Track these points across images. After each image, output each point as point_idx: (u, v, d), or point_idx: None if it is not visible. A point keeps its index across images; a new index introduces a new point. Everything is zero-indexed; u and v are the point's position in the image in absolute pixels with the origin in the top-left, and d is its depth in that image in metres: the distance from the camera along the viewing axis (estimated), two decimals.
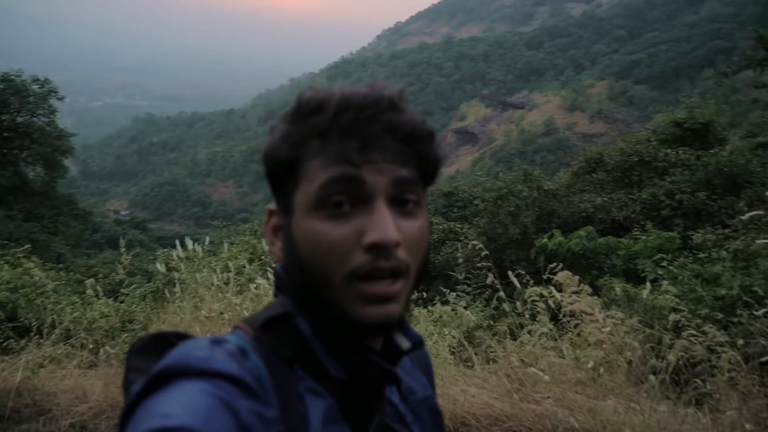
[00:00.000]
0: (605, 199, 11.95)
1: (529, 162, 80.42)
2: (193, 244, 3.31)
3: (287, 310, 0.64)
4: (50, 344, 3.05)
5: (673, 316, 2.37)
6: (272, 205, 0.67)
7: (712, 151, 10.81)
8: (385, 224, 0.57)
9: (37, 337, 3.37)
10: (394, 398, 0.69)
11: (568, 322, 2.36)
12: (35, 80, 20.43)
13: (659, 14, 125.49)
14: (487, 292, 4.85)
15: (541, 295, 2.45)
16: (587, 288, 2.51)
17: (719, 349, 2.15)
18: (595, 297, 2.46)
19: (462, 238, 13.60)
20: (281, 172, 0.62)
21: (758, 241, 2.94)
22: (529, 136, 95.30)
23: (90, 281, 4.17)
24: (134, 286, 4.83)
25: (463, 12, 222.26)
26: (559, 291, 2.42)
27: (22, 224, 18.51)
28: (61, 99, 21.74)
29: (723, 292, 2.81)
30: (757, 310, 2.34)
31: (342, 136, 0.59)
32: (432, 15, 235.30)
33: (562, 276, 2.51)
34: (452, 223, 15.27)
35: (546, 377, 1.96)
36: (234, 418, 0.49)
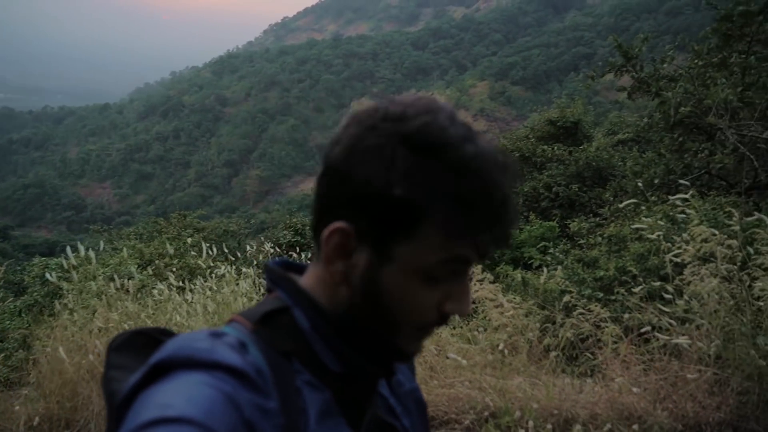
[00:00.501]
0: None
1: None
2: (86, 251, 3.02)
3: (285, 304, 0.64)
4: None
5: (566, 298, 2.63)
6: (346, 226, 0.58)
7: (581, 147, 11.92)
8: (469, 300, 0.61)
9: None
10: (384, 391, 0.71)
11: (474, 308, 2.52)
12: None
13: (531, 21, 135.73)
14: None
15: None
16: (489, 276, 2.70)
17: (603, 324, 2.42)
18: (495, 284, 2.66)
19: None
20: (395, 218, 0.56)
21: (630, 227, 3.36)
22: None
23: None
24: (7, 300, 4.33)
25: (350, 10, 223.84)
26: None
27: None
28: None
29: (601, 273, 3.16)
30: (633, 288, 2.66)
31: (495, 229, 0.57)
32: (319, 11, 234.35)
33: None
34: None
35: (464, 362, 2.08)
36: (236, 411, 0.49)
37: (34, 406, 2.33)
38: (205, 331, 0.56)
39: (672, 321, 2.21)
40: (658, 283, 2.37)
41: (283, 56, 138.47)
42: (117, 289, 3.10)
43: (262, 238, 15.40)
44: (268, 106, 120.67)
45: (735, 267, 2.22)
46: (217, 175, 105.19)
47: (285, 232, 13.98)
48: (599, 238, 3.78)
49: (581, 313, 2.50)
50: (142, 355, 0.62)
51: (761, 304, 2.13)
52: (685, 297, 2.21)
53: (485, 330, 2.40)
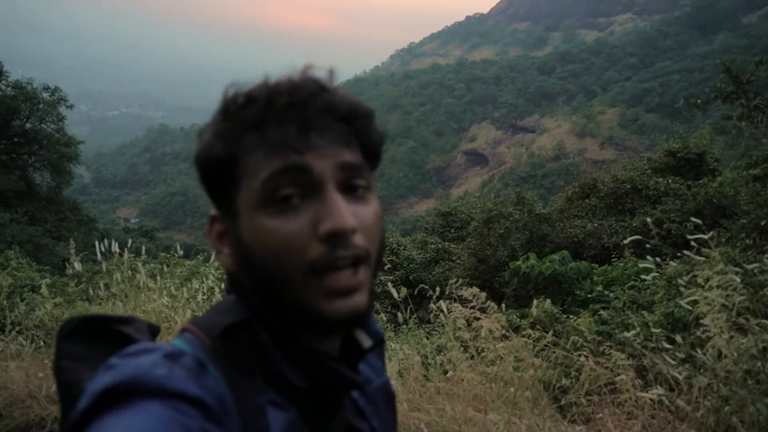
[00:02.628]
0: (596, 225, 11.96)
1: (538, 186, 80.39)
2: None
3: (245, 317, 0.60)
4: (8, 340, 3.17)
5: (573, 337, 2.43)
6: (213, 211, 0.62)
7: (700, 182, 10.85)
8: (339, 211, 0.54)
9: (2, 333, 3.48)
10: (353, 392, 0.67)
11: (474, 338, 2.43)
12: (46, 88, 20.91)
13: (671, 44, 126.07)
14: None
15: (449, 311, 2.52)
16: (493, 305, 2.57)
17: (621, 371, 2.20)
18: (500, 314, 2.52)
19: (454, 258, 13.65)
20: (218, 172, 0.58)
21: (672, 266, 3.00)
22: (539, 160, 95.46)
23: (45, 281, 4.27)
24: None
25: (476, 35, 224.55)
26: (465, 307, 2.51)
27: (25, 228, 18.78)
28: (70, 107, 22.21)
29: (651, 317, 2.87)
30: (674, 337, 2.39)
31: (279, 123, 0.55)
32: (445, 37, 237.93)
33: (469, 293, 2.58)
34: (448, 243, 15.31)
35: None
36: None
37: None
38: (160, 352, 0.52)
39: (677, 375, 1.95)
40: (679, 336, 2.10)
41: (407, 80, 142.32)
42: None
43: None
44: (389, 128, 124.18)
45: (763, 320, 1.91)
46: None
47: None
48: (659, 281, 3.43)
49: (601, 356, 2.29)
50: (93, 344, 0.61)
51: None
52: (701, 352, 1.94)
53: (480, 361, 2.29)
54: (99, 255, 3.02)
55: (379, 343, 0.67)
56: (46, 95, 20.98)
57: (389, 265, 13.22)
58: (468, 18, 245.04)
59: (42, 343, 3.18)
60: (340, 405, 0.63)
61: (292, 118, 0.55)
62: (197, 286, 3.35)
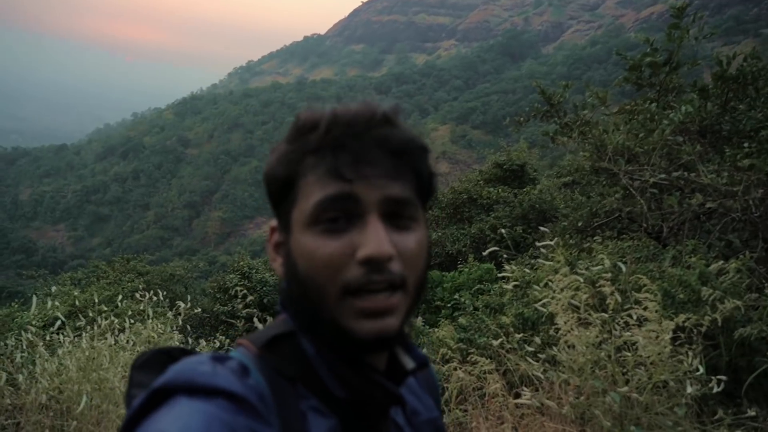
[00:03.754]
0: (440, 234, 12.74)
1: None
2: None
3: (291, 328, 0.64)
4: None
5: (442, 350, 2.54)
6: (274, 223, 0.67)
7: (525, 190, 12.16)
8: (378, 239, 0.57)
9: None
10: (399, 419, 0.68)
11: None
12: None
13: (489, 68, 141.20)
14: None
15: None
16: None
17: (488, 376, 2.33)
18: None
19: None
20: (279, 189, 0.63)
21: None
22: None
23: None
24: None
25: (315, 55, 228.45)
26: None
27: None
28: None
29: (504, 320, 3.09)
30: (530, 336, 2.58)
31: (334, 151, 0.59)
32: (284, 56, 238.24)
33: None
34: None
35: None
36: None
37: None
38: (209, 355, 0.57)
39: (539, 375, 2.13)
40: (537, 334, 2.31)
41: (247, 98, 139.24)
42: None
43: (206, 283, 14.93)
44: (231, 147, 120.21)
45: (606, 315, 2.18)
46: (178, 216, 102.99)
47: (232, 275, 13.63)
48: (505, 285, 3.74)
49: (467, 364, 2.40)
50: (160, 373, 0.60)
51: (629, 355, 2.08)
52: (557, 349, 2.15)
53: None
54: None
55: (422, 365, 0.69)
56: None
57: (244, 291, 12.66)
58: (306, 38, 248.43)
59: None
60: (383, 420, 0.65)
61: (347, 147, 0.59)
62: (12, 342, 2.80)
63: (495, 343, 2.40)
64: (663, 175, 3.65)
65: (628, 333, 2.09)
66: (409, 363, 0.68)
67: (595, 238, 4.88)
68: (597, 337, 2.07)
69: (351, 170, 0.59)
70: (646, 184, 3.72)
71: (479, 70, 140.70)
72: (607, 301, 2.21)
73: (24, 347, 2.77)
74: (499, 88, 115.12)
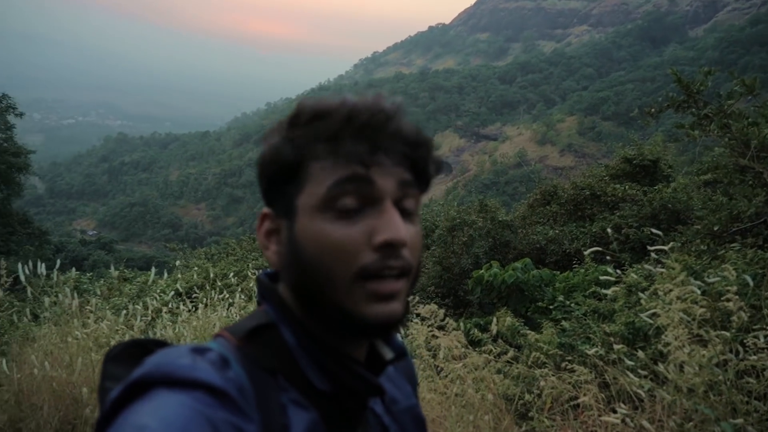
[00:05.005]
0: (557, 231, 12.13)
1: (501, 193, 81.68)
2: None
3: (272, 320, 0.63)
4: None
5: (534, 354, 2.37)
6: (266, 210, 0.66)
7: (656, 188, 11.15)
8: (396, 224, 0.58)
9: None
10: (377, 409, 0.69)
11: (433, 357, 2.33)
12: None
13: (625, 55, 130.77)
14: None
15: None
16: (452, 322, 2.49)
17: (583, 387, 2.15)
18: (459, 331, 2.43)
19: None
20: (283, 174, 0.62)
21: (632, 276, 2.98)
22: (502, 168, 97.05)
23: None
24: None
25: (438, 45, 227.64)
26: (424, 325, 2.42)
27: None
28: (20, 115, 21.28)
29: (613, 328, 2.84)
30: (635, 349, 2.35)
31: (354, 139, 0.59)
32: (409, 46, 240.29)
33: (427, 310, 2.49)
34: None
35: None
36: None
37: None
38: (188, 347, 0.56)
39: (640, 392, 1.90)
40: (645, 347, 2.07)
41: (371, 89, 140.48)
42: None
43: None
44: None
45: (728, 334, 1.88)
46: None
47: None
48: (617, 289, 3.43)
49: (563, 371, 2.23)
50: (135, 365, 0.61)
51: (753, 382, 1.77)
52: (663, 366, 1.90)
53: (442, 380, 2.19)
54: (23, 278, 2.79)
55: (401, 355, 0.69)
56: None
57: None
58: (431, 28, 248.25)
59: None
60: (362, 412, 0.64)
61: (366, 137, 0.60)
62: (140, 307, 3.14)
63: (590, 351, 2.21)
64: None
65: (755, 357, 1.81)
66: (388, 353, 0.68)
67: (732, 245, 4.32)
68: (715, 357, 1.82)
69: (369, 157, 0.59)
70: None
71: (614, 57, 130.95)
72: (731, 318, 1.93)
73: (149, 313, 3.11)
74: (636, 76, 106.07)
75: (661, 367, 1.91)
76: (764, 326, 1.91)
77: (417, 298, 2.75)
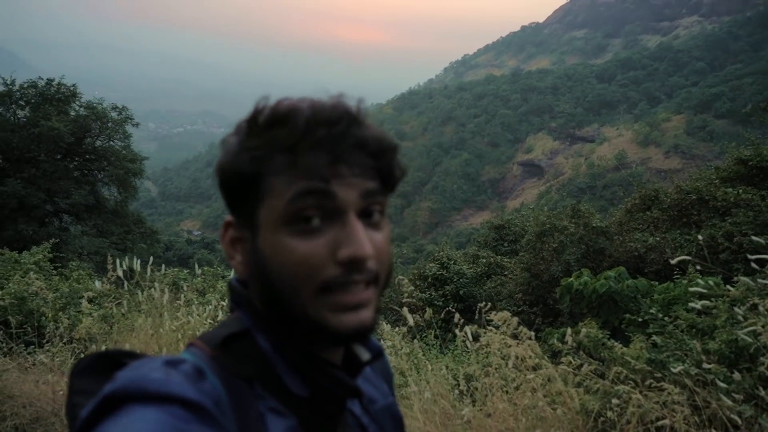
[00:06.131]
0: (658, 238, 11.30)
1: (598, 197, 77.52)
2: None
3: (245, 327, 0.63)
4: (43, 351, 3.26)
5: (616, 368, 2.17)
6: (229, 218, 0.65)
7: None
8: (359, 238, 0.58)
9: (48, 343, 3.58)
10: (355, 409, 0.69)
11: (505, 366, 2.23)
12: (114, 108, 22.13)
13: (744, 46, 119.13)
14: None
15: (476, 338, 2.34)
16: (526, 330, 2.36)
17: (676, 407, 1.96)
18: (533, 341, 2.30)
19: (507, 272, 13.28)
20: (242, 186, 0.60)
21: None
22: (599, 171, 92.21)
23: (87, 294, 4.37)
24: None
25: (532, 45, 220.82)
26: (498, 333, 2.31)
27: (93, 240, 19.87)
28: (136, 125, 23.40)
29: (712, 345, 2.57)
30: (732, 370, 2.12)
31: (312, 151, 0.58)
32: (500, 47, 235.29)
33: (500, 317, 2.38)
34: (500, 257, 14.94)
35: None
36: None
37: None
38: (160, 359, 0.56)
39: (736, 418, 1.67)
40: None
41: (461, 92, 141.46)
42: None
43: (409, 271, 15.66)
44: (444, 140, 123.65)
45: None
46: (390, 205, 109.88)
47: (431, 264, 14.11)
48: (721, 304, 3.09)
49: (651, 390, 2.03)
50: (105, 379, 0.61)
51: None
52: (765, 392, 1.67)
53: (505, 389, 2.09)
54: (121, 273, 3.04)
55: (378, 356, 0.69)
56: (114, 114, 22.19)
57: (435, 282, 12.98)
58: (523, 28, 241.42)
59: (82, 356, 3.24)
60: (341, 415, 0.64)
61: (326, 149, 0.58)
62: (226, 303, 3.33)
63: (676, 369, 2.00)
64: None
65: None
66: (365, 354, 0.68)
67: None
68: None
69: (328, 170, 0.57)
70: None
71: (729, 49, 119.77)
72: None
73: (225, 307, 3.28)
74: (756, 68, 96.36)
75: (763, 393, 1.70)
76: None
77: (489, 305, 2.66)
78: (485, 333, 2.36)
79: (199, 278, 5.87)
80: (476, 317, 2.60)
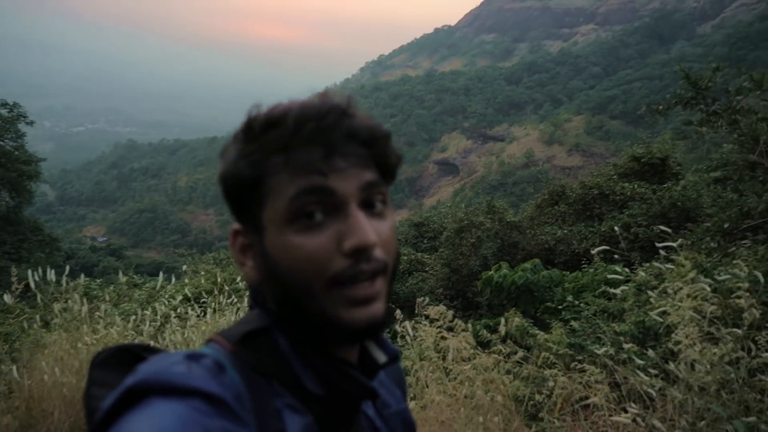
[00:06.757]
0: (566, 231, 12.06)
1: (509, 194, 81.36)
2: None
3: (265, 324, 0.63)
4: None
5: (544, 354, 2.35)
6: (237, 226, 0.65)
7: (665, 186, 11.07)
8: (362, 228, 0.58)
9: None
10: (369, 412, 0.69)
11: (442, 358, 2.32)
12: (4, 104, 20.18)
13: (632, 53, 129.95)
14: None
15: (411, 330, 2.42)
16: (461, 323, 2.48)
17: (594, 387, 2.13)
18: (468, 332, 2.42)
19: (427, 269, 13.57)
20: (244, 191, 0.61)
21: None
22: (509, 168, 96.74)
23: None
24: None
25: (444, 47, 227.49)
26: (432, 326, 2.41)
27: None
28: (30, 123, 21.48)
29: (623, 327, 2.82)
30: (645, 348, 2.33)
31: (305, 147, 0.58)
32: (414, 49, 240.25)
33: (436, 311, 2.48)
34: (420, 253, 15.25)
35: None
36: None
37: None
38: (182, 353, 0.56)
39: (651, 392, 1.88)
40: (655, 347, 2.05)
41: (377, 92, 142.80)
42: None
43: None
44: None
45: (739, 332, 1.85)
46: None
47: None
48: (626, 288, 3.39)
49: (574, 372, 2.21)
50: (124, 371, 0.60)
51: (765, 379, 1.74)
52: (674, 364, 1.88)
53: (440, 380, 2.18)
54: (33, 285, 2.80)
55: (394, 359, 0.69)
56: (3, 111, 20.24)
57: None
58: (436, 30, 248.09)
59: None
60: (356, 414, 0.65)
61: (318, 143, 0.59)
62: (149, 314, 3.16)
63: (600, 351, 2.19)
64: None
65: (767, 354, 1.78)
66: (381, 357, 0.68)
67: (743, 242, 4.28)
68: (726, 355, 1.79)
69: (324, 164, 0.59)
70: None
71: (621, 56, 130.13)
72: (743, 316, 1.90)
73: (158, 318, 3.12)
74: (644, 74, 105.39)
75: (672, 366, 1.89)
76: None
77: (427, 300, 2.74)
78: (422, 327, 2.43)
79: (112, 287, 5.52)
80: (415, 312, 2.67)
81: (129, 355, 0.64)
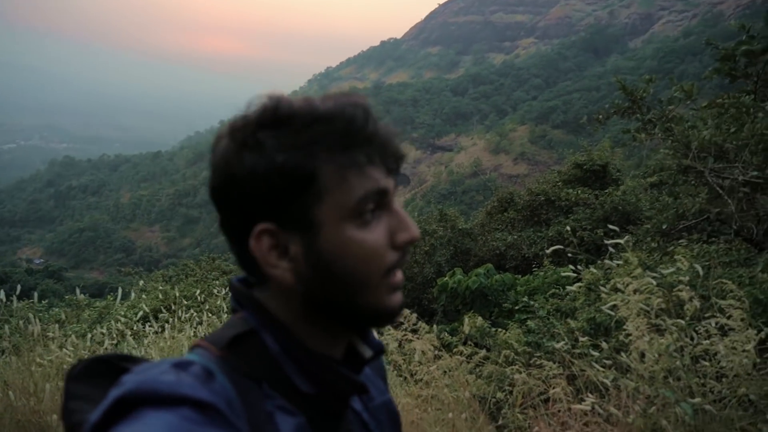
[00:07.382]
0: (516, 236, 12.43)
1: (459, 202, 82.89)
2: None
3: (252, 327, 0.63)
4: None
5: (505, 352, 2.47)
6: (264, 225, 0.60)
7: (606, 191, 11.62)
8: (412, 223, 0.63)
9: None
10: (356, 406, 0.71)
11: (408, 361, 2.38)
12: None
13: (571, 65, 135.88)
14: None
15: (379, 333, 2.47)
16: (425, 325, 2.56)
17: (554, 381, 2.24)
18: (432, 334, 2.51)
19: None
20: (294, 186, 0.58)
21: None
22: (458, 177, 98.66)
23: None
24: None
25: (391, 59, 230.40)
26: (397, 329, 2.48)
27: None
28: None
29: (574, 324, 2.96)
30: (599, 343, 2.46)
31: (362, 147, 0.60)
32: (362, 61, 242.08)
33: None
34: None
35: None
36: None
37: None
38: (168, 361, 0.54)
39: (606, 382, 2.01)
40: (609, 341, 2.19)
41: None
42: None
43: None
44: None
45: (682, 322, 2.02)
46: None
47: None
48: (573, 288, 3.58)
49: (533, 368, 2.32)
50: (103, 383, 0.60)
51: (707, 365, 1.91)
52: (626, 356, 2.02)
53: (405, 381, 2.24)
54: None
55: (379, 353, 0.71)
56: None
57: None
58: (383, 43, 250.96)
59: None
60: (345, 410, 0.66)
61: (381, 141, 0.61)
62: (104, 331, 3.05)
63: (557, 345, 2.32)
64: (756, 173, 3.35)
65: (707, 342, 1.94)
66: (367, 351, 0.70)
67: (680, 242, 4.57)
68: (672, 344, 1.94)
69: (385, 164, 0.62)
70: (737, 183, 3.42)
71: (560, 68, 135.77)
72: (685, 307, 2.06)
73: (114, 336, 3.02)
74: (582, 85, 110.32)
75: (623, 357, 2.02)
76: (714, 314, 2.06)
77: None
78: (386, 330, 2.48)
79: (58, 309, 5.28)
80: None
81: (105, 367, 0.63)
